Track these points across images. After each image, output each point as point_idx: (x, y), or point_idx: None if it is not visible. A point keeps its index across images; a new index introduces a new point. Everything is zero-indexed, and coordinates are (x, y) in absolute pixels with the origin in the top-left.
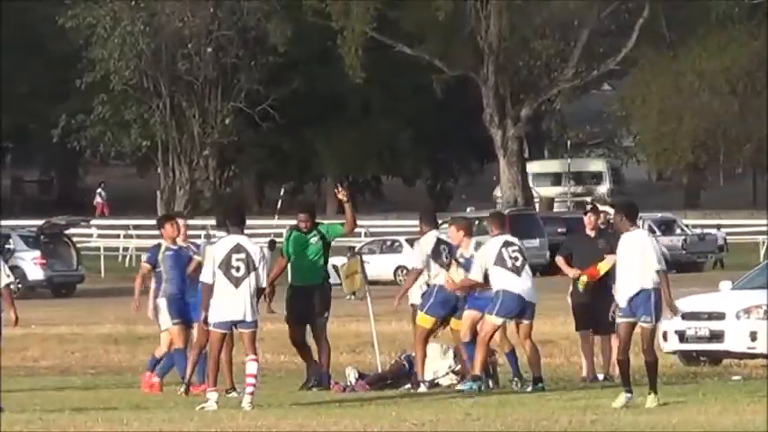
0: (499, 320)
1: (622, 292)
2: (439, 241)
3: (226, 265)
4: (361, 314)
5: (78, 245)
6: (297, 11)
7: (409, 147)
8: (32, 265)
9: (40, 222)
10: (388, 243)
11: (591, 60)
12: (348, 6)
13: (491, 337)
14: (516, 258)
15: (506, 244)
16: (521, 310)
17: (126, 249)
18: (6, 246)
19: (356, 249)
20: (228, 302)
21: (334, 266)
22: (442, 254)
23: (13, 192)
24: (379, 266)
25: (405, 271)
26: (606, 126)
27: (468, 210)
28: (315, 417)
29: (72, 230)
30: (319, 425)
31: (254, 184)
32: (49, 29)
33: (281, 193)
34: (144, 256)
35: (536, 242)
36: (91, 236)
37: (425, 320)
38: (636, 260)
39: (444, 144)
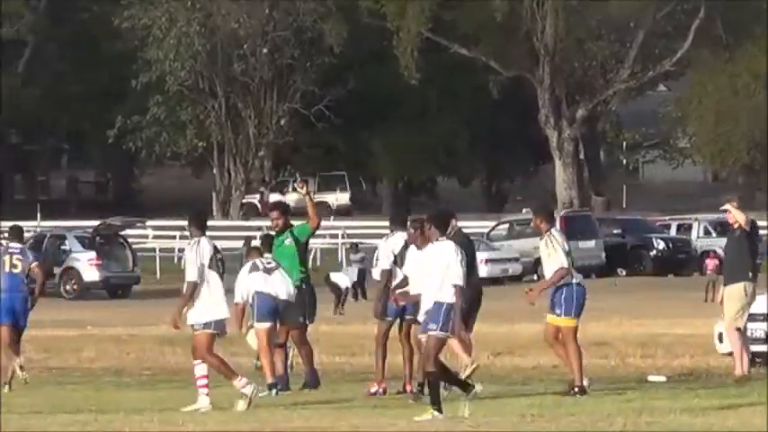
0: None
1: (423, 304)
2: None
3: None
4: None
5: (134, 246)
6: (352, 11)
7: (465, 148)
8: (88, 266)
9: (95, 223)
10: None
11: (646, 61)
12: (404, 7)
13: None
14: None
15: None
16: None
17: (181, 250)
18: (62, 246)
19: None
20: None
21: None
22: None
23: (69, 192)
24: None
25: None
26: (662, 127)
27: (524, 211)
28: (371, 417)
29: (128, 231)
30: (375, 425)
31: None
32: (105, 29)
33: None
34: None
35: (592, 243)
36: (146, 237)
37: None
38: (438, 272)
39: (500, 145)
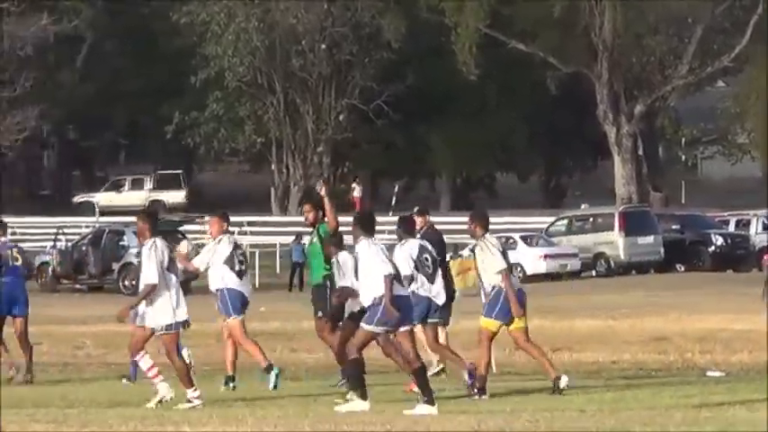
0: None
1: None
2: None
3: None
4: (474, 311)
5: (193, 242)
6: (411, 7)
7: (523, 143)
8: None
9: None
10: (503, 240)
11: (705, 57)
12: (462, 2)
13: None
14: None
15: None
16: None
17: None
18: (120, 242)
19: (470, 247)
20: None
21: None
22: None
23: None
24: None
25: (519, 268)
26: (720, 123)
27: (583, 206)
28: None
29: (186, 227)
30: (434, 422)
31: (368, 181)
32: (163, 25)
33: (395, 190)
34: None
35: (650, 239)
36: (205, 233)
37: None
38: (363, 272)
39: (558, 140)
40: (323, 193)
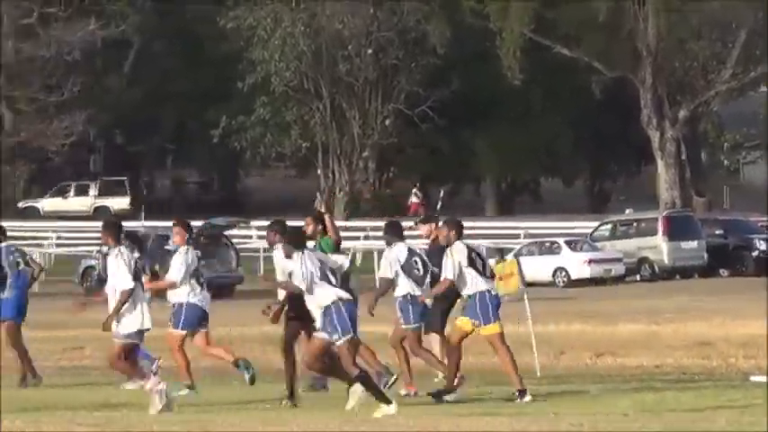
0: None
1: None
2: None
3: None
4: (517, 316)
5: (238, 246)
6: (455, 12)
7: (568, 148)
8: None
9: (199, 224)
10: (547, 244)
11: (748, 62)
12: (507, 7)
13: None
14: None
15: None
16: None
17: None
18: (166, 247)
19: (514, 251)
20: None
21: None
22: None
23: (174, 193)
24: (537, 268)
25: (563, 272)
26: (763, 128)
27: (627, 211)
28: (470, 416)
29: (232, 232)
30: (473, 424)
31: (412, 186)
32: (210, 30)
33: (440, 195)
34: None
35: (694, 244)
36: (251, 237)
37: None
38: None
39: (603, 145)
40: (322, 209)
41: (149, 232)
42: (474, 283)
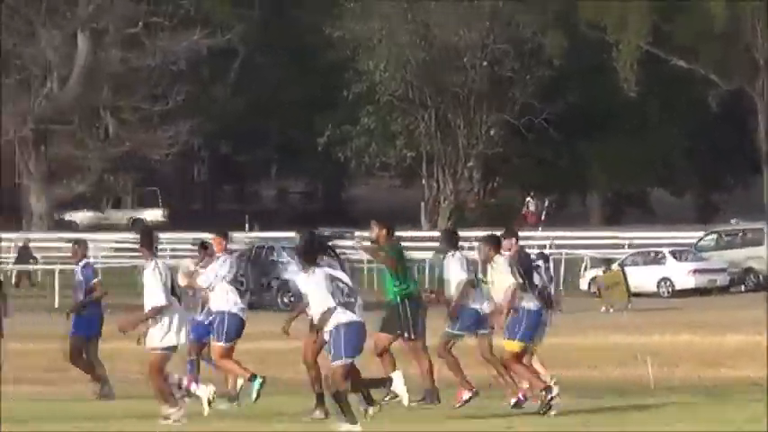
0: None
1: None
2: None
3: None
4: (621, 325)
5: (342, 257)
6: (571, 24)
7: (683, 160)
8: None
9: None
10: (652, 255)
11: None
12: (624, 19)
13: None
14: None
15: None
16: None
17: None
18: (271, 257)
19: (620, 261)
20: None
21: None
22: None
23: (278, 203)
24: (642, 278)
25: (668, 282)
26: None
27: (732, 221)
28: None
29: (337, 242)
30: None
31: (518, 196)
32: (316, 39)
33: (545, 205)
34: None
35: None
36: (354, 248)
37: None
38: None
39: (718, 157)
40: (363, 251)
41: (261, 244)
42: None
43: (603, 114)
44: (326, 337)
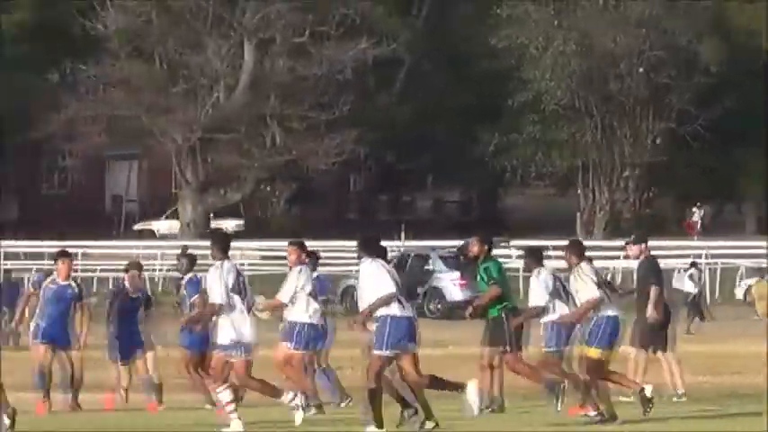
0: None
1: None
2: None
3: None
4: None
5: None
6: (728, 30)
7: None
8: (452, 285)
9: (459, 243)
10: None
11: None
12: None
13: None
14: None
15: None
16: None
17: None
18: (425, 266)
19: None
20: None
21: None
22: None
23: (434, 212)
24: None
25: None
26: None
27: None
28: None
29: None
30: None
31: (674, 205)
32: (480, 48)
33: (701, 214)
34: None
35: None
36: (510, 257)
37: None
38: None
39: None
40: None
41: (409, 251)
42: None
43: (761, 121)
44: (373, 325)
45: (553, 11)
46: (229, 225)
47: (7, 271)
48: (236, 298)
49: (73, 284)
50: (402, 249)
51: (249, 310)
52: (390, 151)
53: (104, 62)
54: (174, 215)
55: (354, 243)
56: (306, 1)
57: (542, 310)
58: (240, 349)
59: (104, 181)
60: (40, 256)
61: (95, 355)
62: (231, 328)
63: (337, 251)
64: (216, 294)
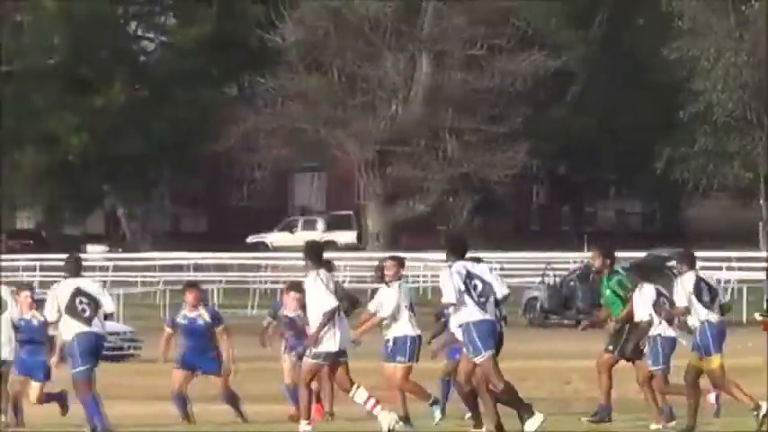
0: None
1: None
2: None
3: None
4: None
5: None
6: None
7: None
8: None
9: (642, 254)
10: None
11: None
12: None
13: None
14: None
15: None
16: None
17: (728, 282)
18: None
19: None
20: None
21: None
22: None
23: (616, 224)
24: None
25: None
26: None
27: None
28: None
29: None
30: None
31: None
32: (653, 60)
33: None
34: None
35: None
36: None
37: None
38: None
39: None
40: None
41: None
42: (696, 313)
43: None
44: (457, 334)
45: (734, 22)
46: (343, 237)
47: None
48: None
49: (203, 313)
50: (585, 261)
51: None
52: (563, 163)
53: (282, 75)
54: (288, 227)
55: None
56: (481, 14)
57: (650, 324)
58: (345, 355)
59: (290, 193)
60: (228, 267)
61: None
62: (331, 337)
63: (519, 262)
64: (327, 301)
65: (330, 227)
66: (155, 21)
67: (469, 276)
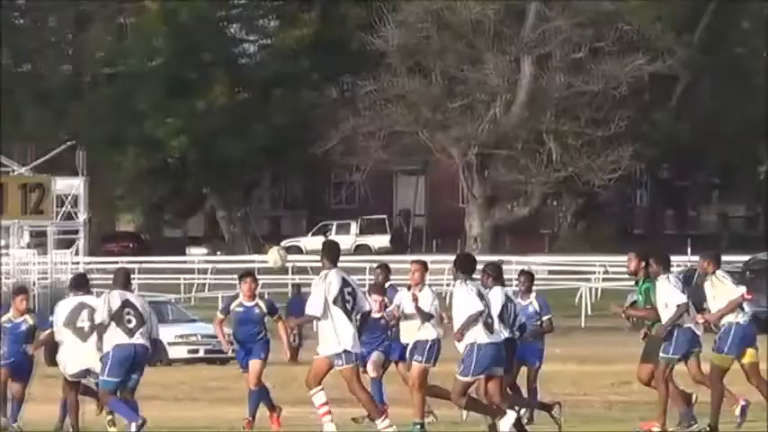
0: None
1: None
2: None
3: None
4: None
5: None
6: None
7: None
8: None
9: (745, 258)
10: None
11: None
12: None
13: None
14: None
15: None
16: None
17: None
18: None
19: None
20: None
21: None
22: None
23: (720, 227)
24: None
25: None
26: None
27: None
28: None
29: None
30: None
31: None
32: (757, 64)
33: None
34: None
35: None
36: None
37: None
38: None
39: None
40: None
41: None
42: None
43: None
44: (461, 349)
45: None
46: (376, 241)
47: (296, 285)
48: (336, 308)
49: (260, 303)
50: (689, 264)
51: (364, 318)
52: (666, 167)
53: (383, 78)
54: (322, 231)
55: None
56: (584, 16)
57: (686, 306)
58: (342, 358)
59: (393, 196)
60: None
61: None
62: (335, 337)
63: (623, 266)
64: (310, 304)
65: (363, 231)
66: (256, 23)
67: (480, 296)
